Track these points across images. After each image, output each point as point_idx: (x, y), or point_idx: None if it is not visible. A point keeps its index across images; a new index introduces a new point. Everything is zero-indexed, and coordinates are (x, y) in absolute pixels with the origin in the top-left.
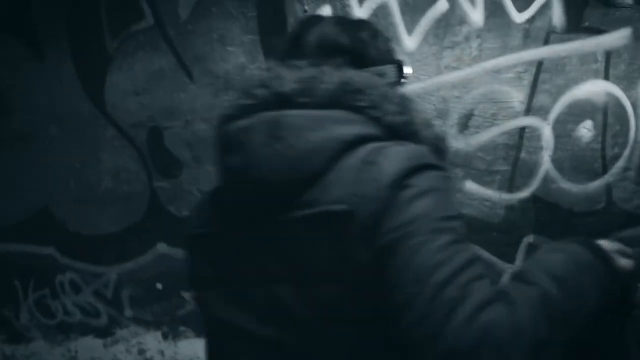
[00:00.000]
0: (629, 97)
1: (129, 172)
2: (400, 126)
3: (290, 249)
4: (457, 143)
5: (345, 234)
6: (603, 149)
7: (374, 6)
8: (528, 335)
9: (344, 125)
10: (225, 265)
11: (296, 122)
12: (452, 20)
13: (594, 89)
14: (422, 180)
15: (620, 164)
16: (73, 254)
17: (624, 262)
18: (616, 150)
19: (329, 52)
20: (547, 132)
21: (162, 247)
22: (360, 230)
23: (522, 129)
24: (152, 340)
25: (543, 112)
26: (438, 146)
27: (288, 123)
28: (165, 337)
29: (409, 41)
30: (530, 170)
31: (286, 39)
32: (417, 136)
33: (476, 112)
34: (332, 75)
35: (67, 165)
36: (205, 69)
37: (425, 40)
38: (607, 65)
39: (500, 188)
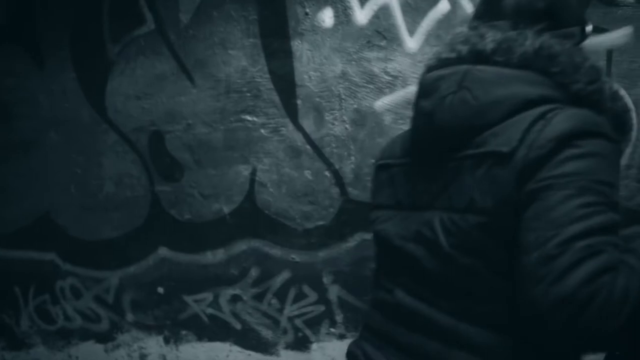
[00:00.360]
0: (631, 95)
1: (130, 177)
2: (586, 95)
3: (452, 181)
4: None
5: (503, 173)
6: None
7: (375, 7)
8: (630, 305)
9: (530, 86)
10: (401, 190)
11: (485, 77)
12: (453, 21)
13: None
14: (589, 144)
15: (622, 162)
16: (74, 260)
17: None
18: None
19: (525, 15)
20: None
21: (163, 251)
22: (517, 172)
23: None
24: (153, 344)
25: None
26: (623, 119)
27: (477, 76)
28: (167, 341)
29: (410, 42)
30: None
31: (482, 5)
32: (602, 106)
33: None
34: (530, 39)
35: (68, 171)
36: (207, 73)
37: (426, 41)
38: (609, 64)
39: None
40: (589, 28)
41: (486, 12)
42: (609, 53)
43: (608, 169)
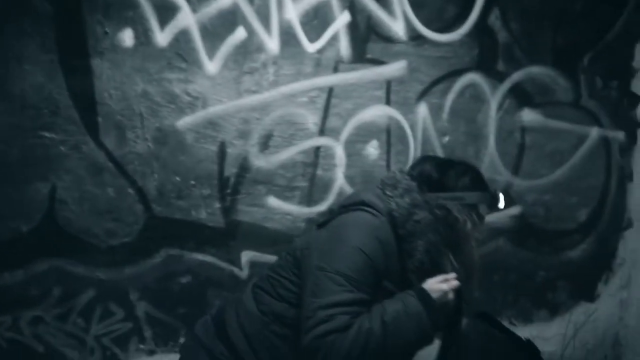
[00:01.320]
0: (407, 120)
1: None
2: (394, 214)
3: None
4: (259, 162)
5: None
6: (388, 165)
7: (175, 31)
8: (345, 356)
9: (368, 195)
10: None
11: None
12: (250, 47)
13: (378, 112)
14: (359, 242)
15: None
16: None
17: (446, 286)
18: (400, 166)
19: (422, 180)
20: (339, 151)
21: None
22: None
23: (317, 149)
24: None
25: (335, 133)
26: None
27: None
28: None
29: (210, 66)
30: (326, 185)
31: (409, 168)
32: (406, 229)
33: (275, 133)
34: (396, 178)
35: None
36: (1, 89)
37: (225, 65)
38: (388, 92)
39: (300, 203)
40: (500, 203)
41: (407, 171)
42: (388, 83)
43: (364, 266)
